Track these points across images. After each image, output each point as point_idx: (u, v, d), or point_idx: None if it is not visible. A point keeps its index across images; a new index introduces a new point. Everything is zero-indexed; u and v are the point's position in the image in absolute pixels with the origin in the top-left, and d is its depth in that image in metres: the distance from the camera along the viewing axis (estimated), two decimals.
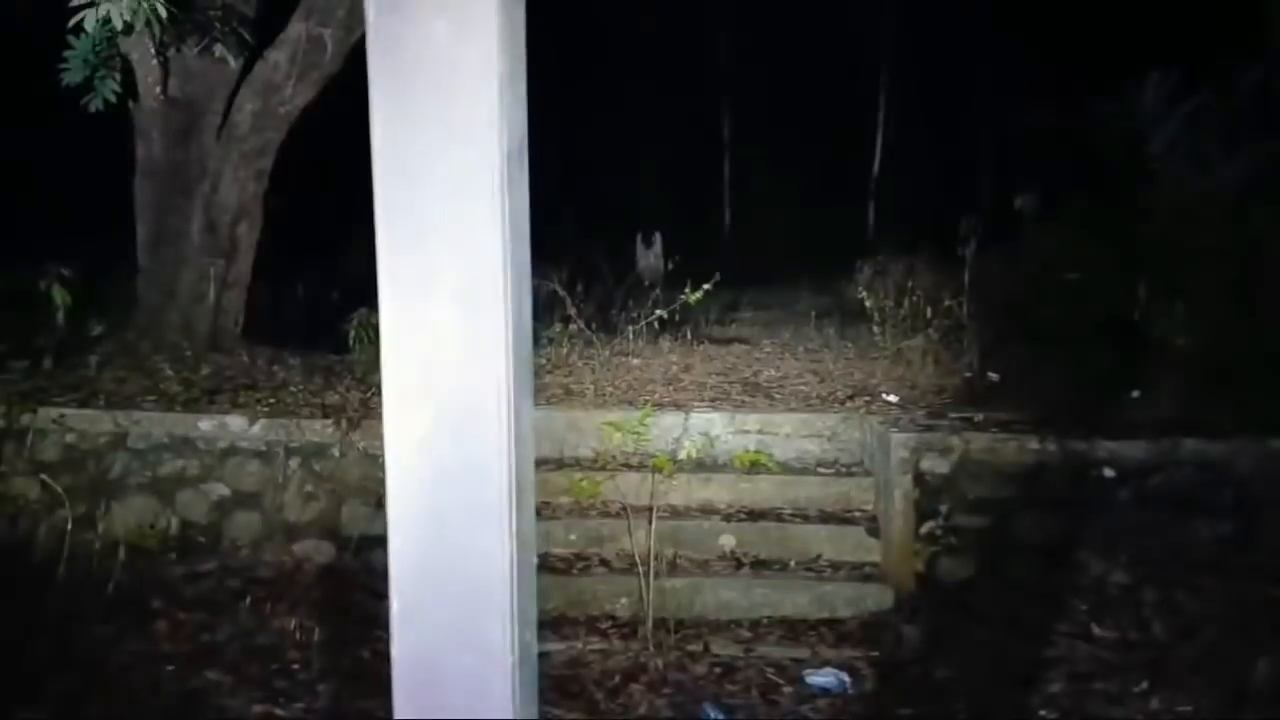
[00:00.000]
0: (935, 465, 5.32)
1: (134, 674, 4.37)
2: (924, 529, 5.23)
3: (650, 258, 13.08)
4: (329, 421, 5.47)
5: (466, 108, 1.30)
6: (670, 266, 9.68)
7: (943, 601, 5.00)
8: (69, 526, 4.73)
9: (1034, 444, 5.35)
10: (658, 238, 13.55)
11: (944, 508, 5.27)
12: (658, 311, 6.91)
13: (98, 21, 4.67)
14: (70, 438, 5.43)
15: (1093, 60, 8.90)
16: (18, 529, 5.02)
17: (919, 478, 5.28)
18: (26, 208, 8.17)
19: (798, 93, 12.69)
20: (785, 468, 5.73)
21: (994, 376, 6.55)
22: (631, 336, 7.30)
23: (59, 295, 6.26)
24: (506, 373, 1.34)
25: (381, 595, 5.01)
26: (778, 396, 6.52)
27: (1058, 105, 8.79)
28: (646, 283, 9.57)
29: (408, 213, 1.33)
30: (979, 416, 5.71)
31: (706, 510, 5.55)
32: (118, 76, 6.18)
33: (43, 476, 5.18)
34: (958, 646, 4.65)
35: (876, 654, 4.66)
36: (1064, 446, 5.33)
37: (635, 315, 7.38)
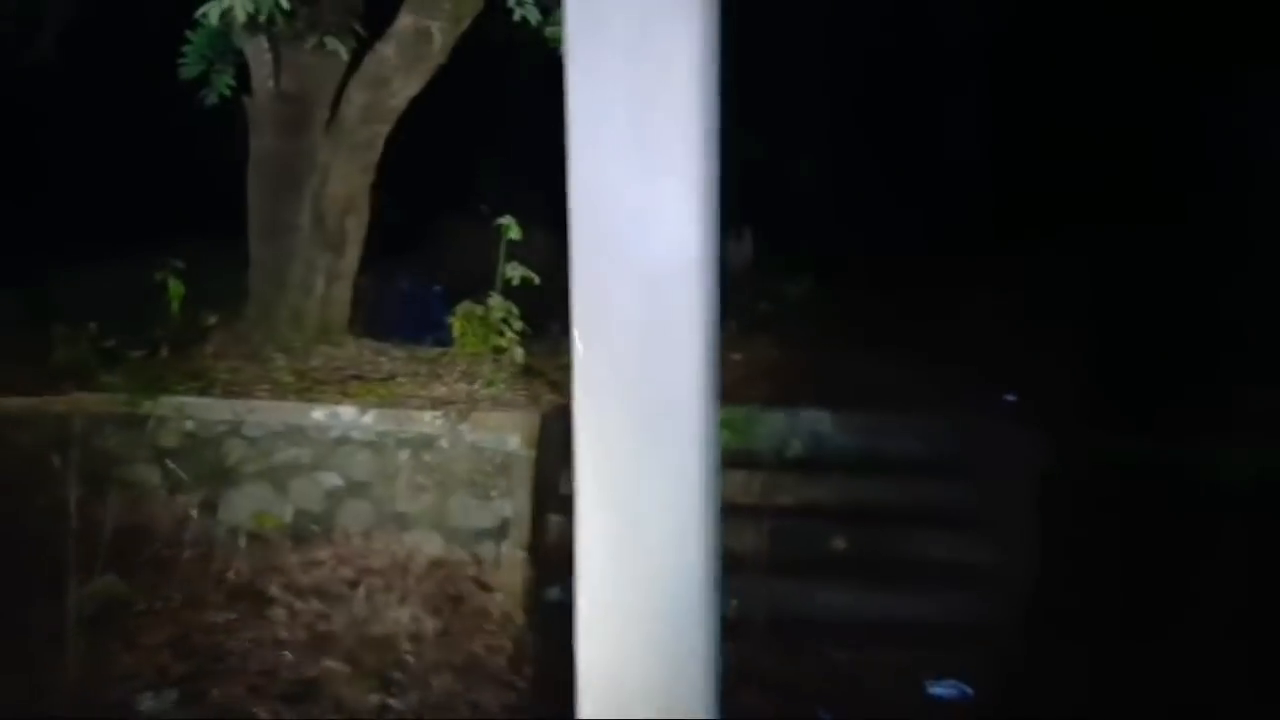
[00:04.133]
0: (1055, 467, 5.13)
1: (251, 659, 4.45)
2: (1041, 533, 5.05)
3: (743, 249, 12.99)
4: (437, 413, 5.49)
5: (660, 78, 1.23)
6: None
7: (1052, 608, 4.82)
8: (193, 512, 4.82)
9: (1133, 445, 5.15)
10: (748, 232, 13.41)
11: (1061, 512, 5.08)
12: (761, 304, 6.80)
13: (221, 14, 4.73)
14: (189, 425, 5.55)
15: (1197, 50, 8.43)
16: (141, 513, 5.14)
17: (1039, 479, 5.10)
18: (141, 201, 8.39)
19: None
20: (894, 467, 5.60)
21: (1106, 378, 6.31)
22: (735, 330, 7.20)
23: (174, 286, 6.39)
24: (699, 364, 1.28)
25: (490, 588, 4.99)
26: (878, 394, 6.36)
27: (1160, 97, 8.42)
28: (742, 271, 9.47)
29: (601, 192, 1.27)
30: (1100, 416, 5.50)
31: (814, 510, 5.45)
32: (233, 70, 6.29)
33: (167, 462, 5.30)
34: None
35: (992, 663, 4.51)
36: (1172, 454, 5.11)
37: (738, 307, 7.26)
